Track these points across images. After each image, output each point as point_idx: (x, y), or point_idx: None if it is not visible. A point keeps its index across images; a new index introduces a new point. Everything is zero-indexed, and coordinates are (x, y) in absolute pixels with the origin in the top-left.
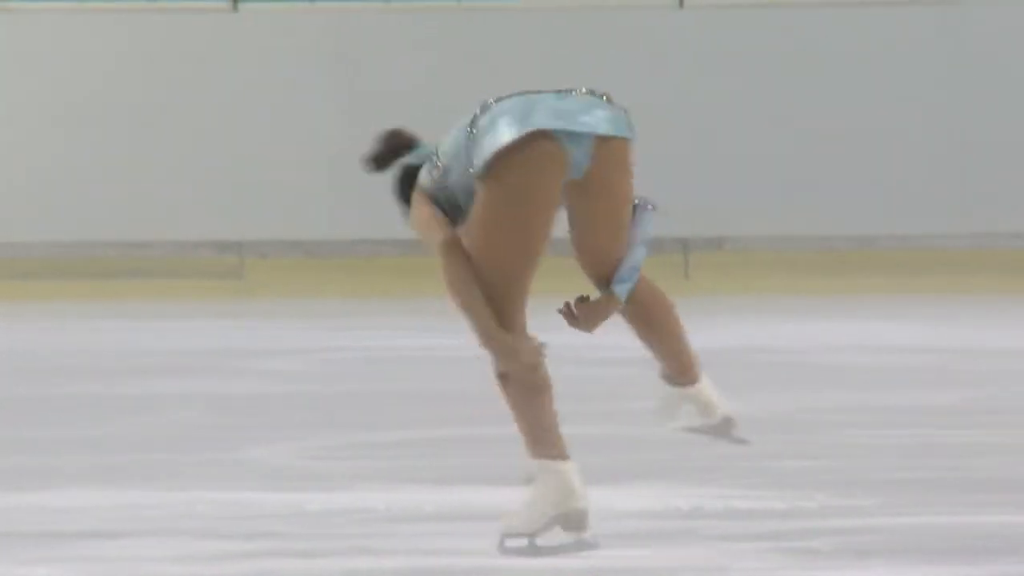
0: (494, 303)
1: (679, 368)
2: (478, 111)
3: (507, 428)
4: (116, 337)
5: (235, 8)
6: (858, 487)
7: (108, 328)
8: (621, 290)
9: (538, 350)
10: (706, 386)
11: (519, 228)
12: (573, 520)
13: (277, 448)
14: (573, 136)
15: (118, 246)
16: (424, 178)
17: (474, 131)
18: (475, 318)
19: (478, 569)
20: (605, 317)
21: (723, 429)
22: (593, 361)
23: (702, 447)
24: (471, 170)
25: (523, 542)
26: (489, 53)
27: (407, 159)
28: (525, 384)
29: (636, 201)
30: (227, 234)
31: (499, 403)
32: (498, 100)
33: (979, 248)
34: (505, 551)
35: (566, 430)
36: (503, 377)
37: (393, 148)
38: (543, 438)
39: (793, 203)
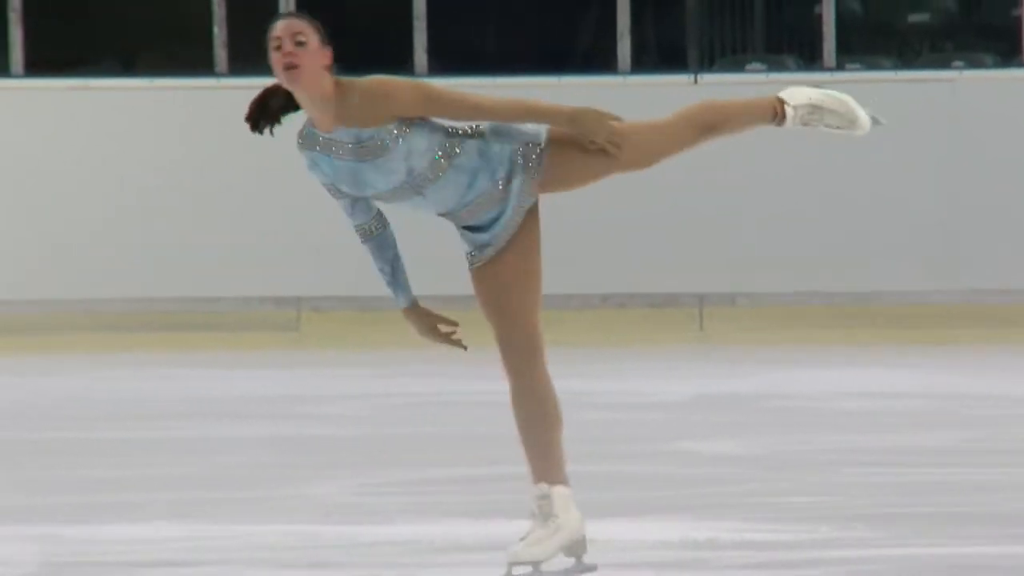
0: None
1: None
2: None
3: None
4: (186, 384)
5: None
6: (860, 521)
7: (179, 376)
8: None
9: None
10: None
11: None
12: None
13: (332, 485)
14: None
15: (187, 301)
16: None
17: None
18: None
19: None
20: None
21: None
22: (614, 406)
23: (717, 485)
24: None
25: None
26: None
27: None
28: None
29: None
30: (285, 290)
31: (519, 446)
32: None
33: (969, 303)
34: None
35: (591, 467)
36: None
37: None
38: None
39: (801, 262)
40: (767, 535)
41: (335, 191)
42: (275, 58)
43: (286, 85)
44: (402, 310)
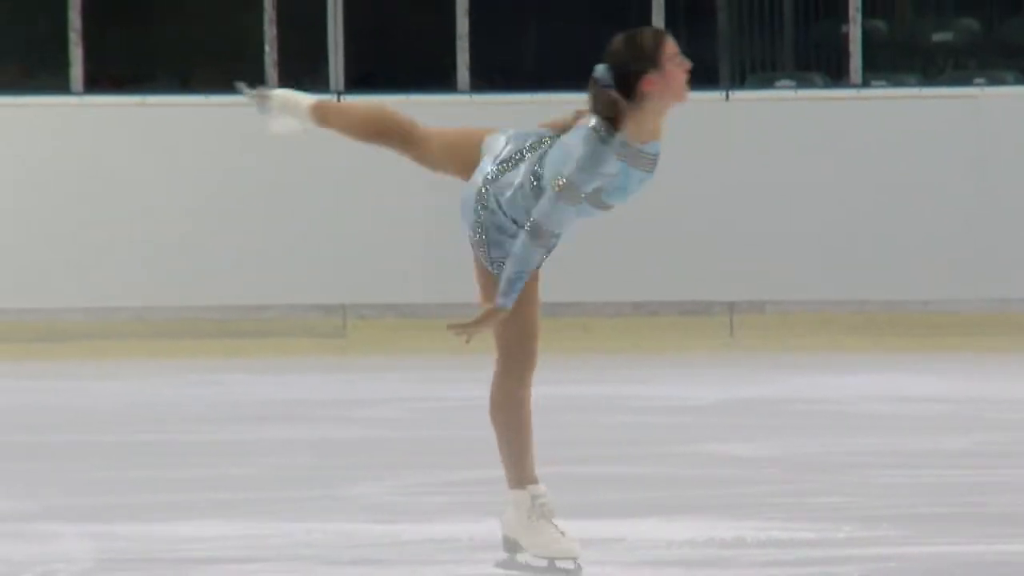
0: None
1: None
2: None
3: (566, 468)
4: (237, 389)
5: (338, 99)
6: (883, 520)
7: (230, 381)
8: (500, 302)
9: None
10: None
11: None
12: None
13: (376, 485)
14: None
15: (236, 309)
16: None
17: None
18: None
19: None
20: (484, 325)
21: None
22: (645, 410)
23: (744, 486)
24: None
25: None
26: None
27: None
28: None
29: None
30: (332, 298)
31: (556, 448)
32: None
33: (994, 312)
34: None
35: (621, 469)
36: None
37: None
38: None
39: (829, 271)
40: (792, 534)
41: (580, 198)
42: (679, 75)
43: (681, 100)
44: (496, 308)
